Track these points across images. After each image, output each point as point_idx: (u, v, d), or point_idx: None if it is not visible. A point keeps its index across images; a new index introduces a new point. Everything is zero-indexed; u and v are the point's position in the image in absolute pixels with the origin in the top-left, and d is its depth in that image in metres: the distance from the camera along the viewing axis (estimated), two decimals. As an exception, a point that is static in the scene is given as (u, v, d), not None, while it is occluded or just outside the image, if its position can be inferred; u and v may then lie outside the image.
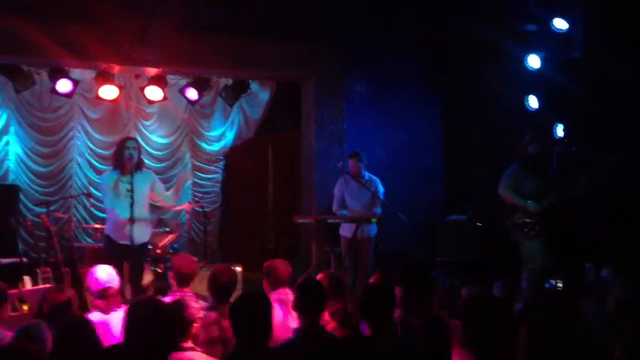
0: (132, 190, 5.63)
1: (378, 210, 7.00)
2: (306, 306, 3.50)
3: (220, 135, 9.29)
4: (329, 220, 7.10)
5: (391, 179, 7.44)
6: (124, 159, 5.79)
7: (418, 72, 8.49)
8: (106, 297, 4.22)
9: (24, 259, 7.02)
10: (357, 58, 8.21)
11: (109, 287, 4.24)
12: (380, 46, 8.20)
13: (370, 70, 8.30)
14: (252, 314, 3.00)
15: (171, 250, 7.50)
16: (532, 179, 6.19)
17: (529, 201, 6.09)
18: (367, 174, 7.11)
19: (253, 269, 7.42)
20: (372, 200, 7.01)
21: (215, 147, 9.29)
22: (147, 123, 8.97)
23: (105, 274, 4.31)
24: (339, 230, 7.11)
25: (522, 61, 7.14)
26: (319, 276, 4.48)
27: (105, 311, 4.15)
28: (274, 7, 7.08)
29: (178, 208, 8.18)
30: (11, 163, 8.36)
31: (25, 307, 5.26)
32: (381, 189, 7.12)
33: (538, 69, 7.16)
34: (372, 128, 8.29)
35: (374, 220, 6.81)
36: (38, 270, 6.47)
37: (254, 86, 8.95)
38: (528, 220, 6.11)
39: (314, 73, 8.25)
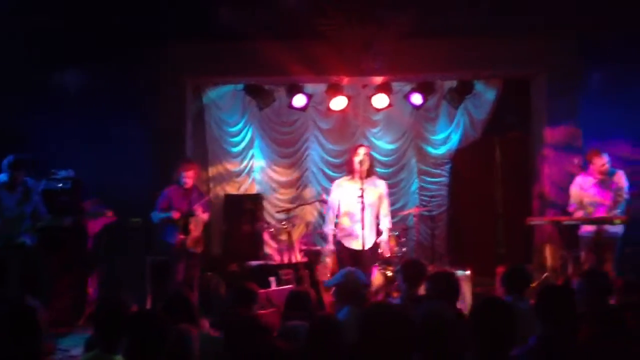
0: (362, 196, 5.86)
1: (622, 209, 6.40)
2: (548, 314, 3.31)
3: (445, 138, 9.22)
4: (565, 222, 6.67)
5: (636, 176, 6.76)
6: (354, 165, 6.07)
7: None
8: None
9: (269, 262, 7.67)
10: (595, 47, 7.54)
11: None
12: (626, 32, 7.41)
13: (611, 60, 7.56)
14: (493, 321, 2.92)
15: (399, 254, 7.63)
16: None
17: None
18: (612, 170, 6.54)
19: (483, 274, 7.25)
20: (615, 198, 6.43)
21: (441, 150, 9.24)
22: (374, 130, 9.24)
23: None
24: (577, 231, 6.64)
25: None
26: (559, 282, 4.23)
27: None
28: (499, 4, 6.85)
29: (404, 213, 8.31)
30: (256, 174, 9.22)
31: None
32: (626, 183, 6.50)
33: None
34: (613, 123, 7.56)
35: (616, 221, 6.25)
36: (281, 272, 7.02)
37: (479, 86, 8.74)
38: None
39: (545, 68, 7.82)
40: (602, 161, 6.48)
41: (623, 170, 6.61)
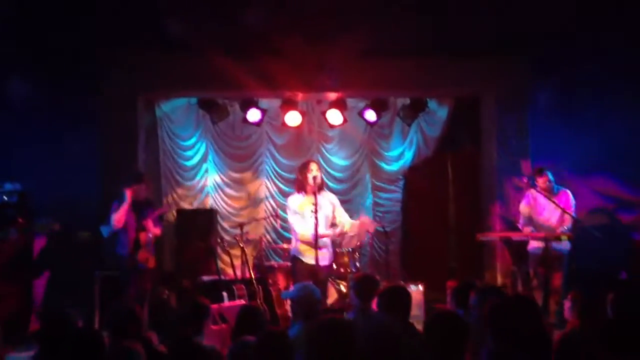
0: (316, 212, 5.87)
1: (569, 227, 6.58)
2: (498, 328, 3.35)
3: (399, 155, 9.33)
4: (514, 238, 6.82)
5: (584, 194, 6.97)
6: (308, 182, 6.07)
7: (618, 79, 7.85)
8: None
9: (222, 277, 7.58)
10: (543, 67, 7.78)
11: None
12: (573, 53, 7.69)
13: (559, 80, 7.82)
14: (446, 334, 2.95)
15: (354, 269, 7.65)
16: None
17: None
18: (556, 187, 6.73)
19: (435, 288, 7.33)
20: (562, 215, 6.61)
21: (395, 166, 9.35)
22: (328, 146, 9.29)
23: None
24: (526, 247, 6.79)
25: None
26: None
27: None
28: (451, 25, 7.02)
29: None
30: (210, 189, 9.12)
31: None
32: (572, 202, 6.69)
33: None
34: (560, 141, 7.80)
35: (563, 237, 6.42)
36: (234, 287, 6.95)
37: (431, 104, 8.90)
38: None
39: (494, 87, 8.02)
40: (543, 179, 6.66)
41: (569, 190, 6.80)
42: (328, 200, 6.23)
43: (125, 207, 6.37)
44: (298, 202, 6.19)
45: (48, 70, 7.45)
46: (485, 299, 3.83)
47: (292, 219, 6.23)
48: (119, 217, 6.38)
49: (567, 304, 4.75)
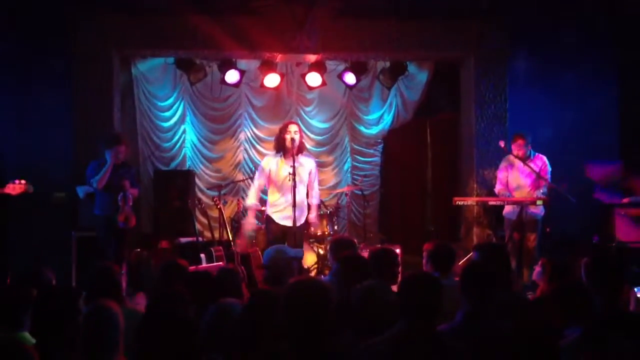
0: (294, 174, 5.86)
1: (544, 191, 6.67)
2: (472, 290, 3.39)
3: (378, 119, 9.31)
4: (491, 202, 6.90)
5: (559, 160, 7.06)
6: (286, 143, 6.05)
7: (594, 48, 7.92)
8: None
9: (200, 239, 7.57)
10: (522, 34, 7.83)
11: None
12: (551, 21, 7.75)
13: (536, 47, 7.89)
14: (422, 295, 2.96)
15: (331, 232, 7.70)
16: None
17: None
18: (533, 153, 6.79)
19: (412, 252, 7.41)
20: (537, 180, 6.69)
21: (374, 130, 9.34)
22: (307, 109, 9.23)
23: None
24: (502, 212, 6.88)
25: None
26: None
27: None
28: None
29: (337, 191, 8.39)
30: (188, 150, 9.04)
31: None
32: (548, 167, 6.77)
33: None
34: (537, 107, 7.88)
35: (539, 202, 6.51)
36: (212, 249, 6.96)
37: (411, 68, 8.85)
38: None
39: (474, 52, 7.99)
40: (517, 144, 6.72)
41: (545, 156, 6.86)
42: (307, 166, 6.22)
43: (109, 168, 6.31)
44: (274, 163, 6.18)
45: (18, 27, 7.25)
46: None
47: (267, 180, 6.24)
48: (102, 178, 6.31)
49: (537, 269, 4.83)
